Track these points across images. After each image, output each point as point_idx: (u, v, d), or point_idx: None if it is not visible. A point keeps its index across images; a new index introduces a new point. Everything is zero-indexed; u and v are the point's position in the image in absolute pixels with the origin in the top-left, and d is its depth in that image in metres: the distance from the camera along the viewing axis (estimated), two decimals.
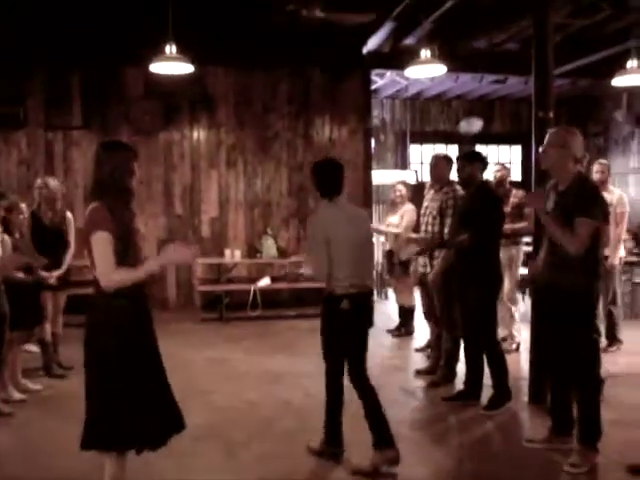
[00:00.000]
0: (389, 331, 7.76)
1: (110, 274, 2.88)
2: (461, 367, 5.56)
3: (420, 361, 6.48)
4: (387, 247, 7.78)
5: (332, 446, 4.07)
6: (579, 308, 3.87)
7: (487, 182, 5.24)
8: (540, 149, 4.15)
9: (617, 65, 8.01)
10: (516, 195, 6.63)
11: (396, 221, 7.48)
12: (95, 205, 2.95)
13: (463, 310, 5.11)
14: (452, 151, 12.88)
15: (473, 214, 4.99)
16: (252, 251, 9.41)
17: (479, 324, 5.00)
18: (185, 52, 6.97)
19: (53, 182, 6.00)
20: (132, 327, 3.02)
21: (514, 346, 6.68)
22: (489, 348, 5.04)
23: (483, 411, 4.93)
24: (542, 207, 3.98)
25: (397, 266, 7.47)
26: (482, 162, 5.14)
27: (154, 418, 3.05)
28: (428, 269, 5.62)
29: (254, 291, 8.80)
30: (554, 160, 3.94)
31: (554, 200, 3.95)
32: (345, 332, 3.93)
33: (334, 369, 4.01)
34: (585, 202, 3.77)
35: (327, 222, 3.94)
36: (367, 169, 10.01)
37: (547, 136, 4.04)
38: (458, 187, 5.55)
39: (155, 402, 3.06)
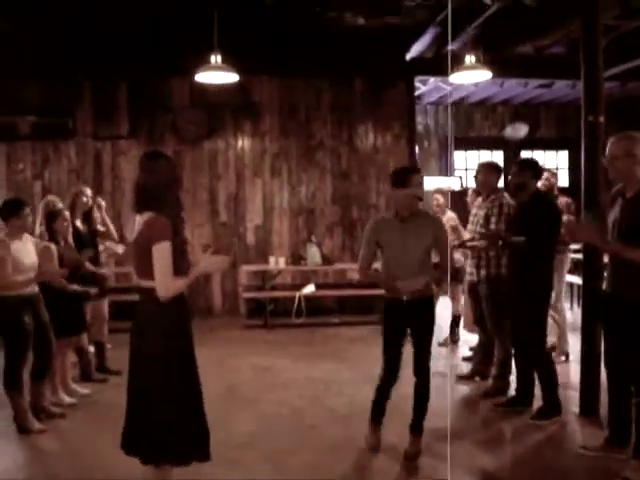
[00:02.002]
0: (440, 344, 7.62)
1: (170, 283, 2.93)
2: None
3: (467, 370, 6.37)
4: None
5: None
6: None
7: (542, 190, 5.12)
8: (604, 161, 4.00)
9: None
10: (561, 202, 6.49)
11: None
12: (155, 215, 2.98)
13: (514, 319, 5.02)
14: (497, 157, 12.74)
15: (527, 223, 4.89)
16: (296, 258, 9.43)
17: (528, 335, 4.91)
18: (230, 61, 7.04)
19: (89, 192, 6.14)
20: (179, 333, 3.06)
21: (562, 357, 6.53)
22: (538, 360, 4.95)
23: (531, 420, 4.84)
24: (596, 240, 3.89)
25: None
26: (534, 170, 5.05)
27: (195, 428, 3.08)
28: (476, 277, 5.55)
29: (299, 298, 8.81)
30: (621, 171, 3.78)
31: (621, 206, 3.82)
32: None
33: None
34: None
35: None
36: None
37: (609, 146, 3.84)
38: (506, 195, 5.48)
39: (195, 410, 3.09)
